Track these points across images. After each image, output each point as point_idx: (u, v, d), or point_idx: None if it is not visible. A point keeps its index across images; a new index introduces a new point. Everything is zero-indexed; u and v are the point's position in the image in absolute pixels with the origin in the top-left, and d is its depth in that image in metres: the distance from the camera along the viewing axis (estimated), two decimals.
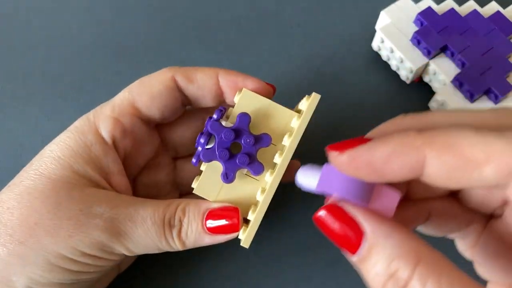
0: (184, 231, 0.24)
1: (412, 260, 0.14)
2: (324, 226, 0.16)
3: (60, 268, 0.23)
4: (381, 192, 0.16)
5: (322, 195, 0.17)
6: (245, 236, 0.23)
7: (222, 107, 0.25)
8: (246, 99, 0.25)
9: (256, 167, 0.24)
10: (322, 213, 0.16)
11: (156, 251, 0.25)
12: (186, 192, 0.31)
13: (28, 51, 0.39)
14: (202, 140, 0.24)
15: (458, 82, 0.33)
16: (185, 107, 0.29)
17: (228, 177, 0.24)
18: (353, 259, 0.15)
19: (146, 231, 0.23)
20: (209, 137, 0.24)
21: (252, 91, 0.25)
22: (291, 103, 0.36)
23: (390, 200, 0.16)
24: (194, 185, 0.25)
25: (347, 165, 0.15)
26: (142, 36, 0.39)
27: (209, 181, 0.25)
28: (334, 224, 0.15)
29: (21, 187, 0.24)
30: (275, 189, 0.24)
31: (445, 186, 0.15)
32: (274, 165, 0.24)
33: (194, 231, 0.24)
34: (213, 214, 0.24)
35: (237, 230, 0.23)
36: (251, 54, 0.39)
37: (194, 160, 0.25)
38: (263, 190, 0.24)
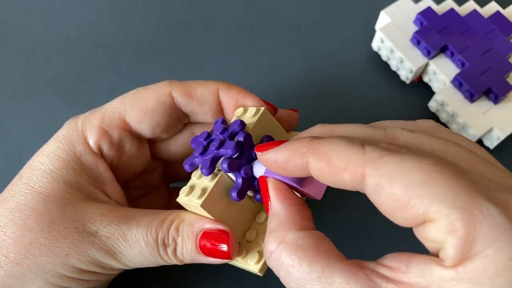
0: (180, 250, 0.23)
1: (277, 239, 0.18)
2: (260, 189, 0.21)
3: (58, 287, 0.23)
4: (313, 179, 0.20)
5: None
6: (261, 266, 0.22)
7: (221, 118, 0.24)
8: (263, 120, 0.24)
9: None
10: (260, 177, 0.21)
11: (155, 265, 0.24)
12: (178, 180, 0.31)
13: (28, 51, 0.39)
14: (230, 152, 0.22)
15: (458, 82, 0.33)
16: (183, 124, 0.27)
17: (242, 196, 0.22)
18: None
19: (140, 251, 0.23)
20: (237, 150, 0.22)
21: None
22: (291, 104, 0.36)
23: (319, 186, 0.21)
24: (183, 195, 0.23)
25: (263, 162, 0.20)
26: (142, 36, 0.39)
27: (215, 196, 0.22)
28: (262, 189, 0.21)
29: (12, 203, 0.23)
30: None
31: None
32: None
33: (189, 252, 0.23)
34: (206, 235, 0.23)
35: (229, 257, 0.22)
36: (251, 54, 0.39)
37: (204, 170, 0.22)
38: None
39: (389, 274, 0.16)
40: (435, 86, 0.36)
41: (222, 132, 0.23)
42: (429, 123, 0.20)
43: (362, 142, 0.17)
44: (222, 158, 0.22)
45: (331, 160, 0.17)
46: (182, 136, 0.28)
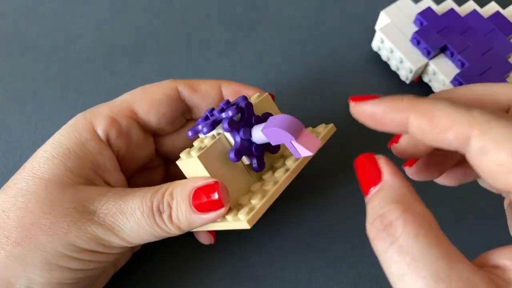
0: (175, 214, 0.23)
1: (402, 208, 0.17)
2: (358, 168, 0.19)
3: (59, 267, 0.23)
4: (308, 136, 0.21)
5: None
6: (250, 217, 0.22)
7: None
8: (265, 103, 0.26)
9: (260, 163, 0.24)
10: (359, 157, 0.20)
11: (156, 239, 0.24)
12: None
13: (28, 51, 0.39)
14: (230, 113, 0.23)
15: (458, 82, 0.33)
16: (185, 120, 0.29)
17: (240, 156, 0.23)
18: (366, 198, 0.19)
19: (137, 222, 0.23)
20: (237, 111, 0.23)
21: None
22: (291, 103, 0.36)
23: (314, 143, 0.21)
24: (182, 155, 0.24)
25: (357, 113, 0.20)
26: (142, 36, 0.39)
27: (213, 155, 0.23)
28: (363, 168, 0.19)
29: (14, 189, 0.24)
30: (285, 187, 0.24)
31: (422, 141, 0.18)
32: (272, 168, 0.25)
33: (184, 213, 0.23)
34: (198, 191, 0.23)
35: (221, 205, 0.22)
36: (251, 54, 0.39)
37: (204, 128, 0.24)
38: (275, 182, 0.24)
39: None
40: (435, 86, 0.36)
41: (226, 104, 0.25)
42: None
43: (468, 105, 0.17)
44: (223, 118, 0.23)
45: (435, 118, 0.17)
46: (184, 133, 0.29)
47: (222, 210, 0.23)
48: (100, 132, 0.26)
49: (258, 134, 0.23)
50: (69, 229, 0.23)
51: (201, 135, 0.25)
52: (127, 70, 0.38)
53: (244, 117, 0.24)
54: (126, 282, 0.30)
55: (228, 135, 0.24)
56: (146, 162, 0.29)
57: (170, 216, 0.23)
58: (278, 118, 0.21)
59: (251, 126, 0.24)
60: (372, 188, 0.18)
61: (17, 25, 0.40)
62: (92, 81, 0.37)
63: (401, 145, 0.22)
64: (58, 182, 0.24)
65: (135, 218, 0.23)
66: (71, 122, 0.26)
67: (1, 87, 0.37)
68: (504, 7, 0.37)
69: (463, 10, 0.37)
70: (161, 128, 0.28)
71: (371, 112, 0.19)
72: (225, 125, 0.23)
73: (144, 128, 0.27)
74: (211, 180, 0.23)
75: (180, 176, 0.31)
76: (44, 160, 0.24)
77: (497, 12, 0.36)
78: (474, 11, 0.36)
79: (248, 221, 0.22)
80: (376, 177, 0.19)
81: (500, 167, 0.16)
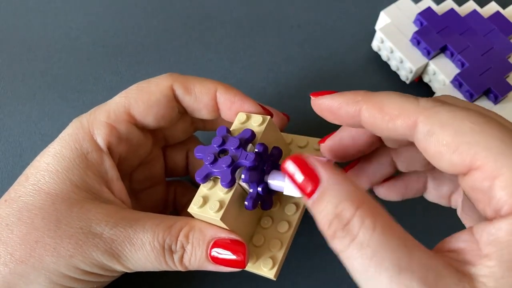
0: (187, 257, 0.23)
1: (355, 203, 0.17)
2: (289, 174, 0.19)
3: (62, 287, 0.23)
4: None
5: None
6: (275, 271, 0.23)
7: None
8: (269, 129, 0.24)
9: (270, 202, 0.24)
10: (288, 162, 0.19)
11: (158, 270, 0.24)
12: (174, 175, 0.32)
13: (28, 51, 0.39)
14: (249, 162, 0.22)
15: (458, 82, 0.33)
16: (181, 115, 0.28)
17: (256, 205, 0.23)
18: (309, 202, 0.18)
19: (145, 256, 0.23)
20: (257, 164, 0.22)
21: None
22: (291, 104, 0.36)
23: None
24: (196, 207, 0.22)
25: (317, 105, 0.21)
26: (142, 36, 0.39)
27: (231, 208, 0.22)
28: (297, 172, 0.19)
29: (20, 203, 0.23)
30: (297, 227, 0.25)
31: (374, 132, 0.20)
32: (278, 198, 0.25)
33: (198, 259, 0.23)
34: (219, 244, 0.22)
35: (243, 266, 0.22)
36: (251, 54, 0.39)
37: (225, 183, 0.22)
38: (288, 223, 0.24)
39: (464, 257, 0.16)
40: (435, 86, 0.36)
41: (237, 148, 0.23)
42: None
43: (416, 96, 0.19)
44: (243, 170, 0.22)
45: (385, 108, 0.19)
46: (181, 124, 0.29)
47: (240, 269, 0.23)
48: (101, 141, 0.25)
49: (279, 183, 0.23)
50: (73, 252, 0.22)
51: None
52: (127, 70, 0.38)
53: (261, 162, 0.23)
54: (128, 281, 0.30)
55: (244, 184, 0.23)
56: (146, 156, 0.29)
57: (181, 258, 0.23)
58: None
59: (268, 169, 0.23)
60: (315, 191, 0.18)
61: (17, 25, 0.40)
62: (92, 81, 0.37)
63: (327, 145, 0.24)
64: (65, 199, 0.23)
65: (143, 252, 0.23)
66: (69, 131, 0.25)
67: (1, 87, 0.37)
68: (504, 7, 0.37)
69: (463, 10, 0.37)
70: (159, 126, 0.27)
71: (329, 105, 0.21)
72: (246, 177, 0.22)
73: (142, 128, 0.27)
74: (234, 237, 0.22)
75: (179, 165, 0.31)
76: (49, 173, 0.24)
77: (497, 12, 0.36)
78: (474, 11, 0.36)
79: (275, 276, 0.23)
80: (314, 179, 0.18)
81: (444, 147, 0.17)
